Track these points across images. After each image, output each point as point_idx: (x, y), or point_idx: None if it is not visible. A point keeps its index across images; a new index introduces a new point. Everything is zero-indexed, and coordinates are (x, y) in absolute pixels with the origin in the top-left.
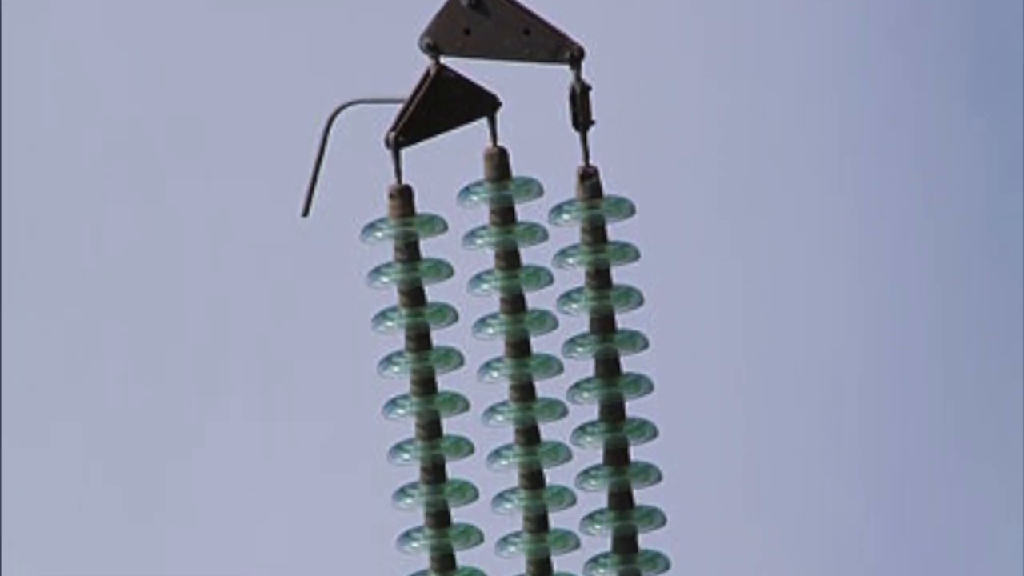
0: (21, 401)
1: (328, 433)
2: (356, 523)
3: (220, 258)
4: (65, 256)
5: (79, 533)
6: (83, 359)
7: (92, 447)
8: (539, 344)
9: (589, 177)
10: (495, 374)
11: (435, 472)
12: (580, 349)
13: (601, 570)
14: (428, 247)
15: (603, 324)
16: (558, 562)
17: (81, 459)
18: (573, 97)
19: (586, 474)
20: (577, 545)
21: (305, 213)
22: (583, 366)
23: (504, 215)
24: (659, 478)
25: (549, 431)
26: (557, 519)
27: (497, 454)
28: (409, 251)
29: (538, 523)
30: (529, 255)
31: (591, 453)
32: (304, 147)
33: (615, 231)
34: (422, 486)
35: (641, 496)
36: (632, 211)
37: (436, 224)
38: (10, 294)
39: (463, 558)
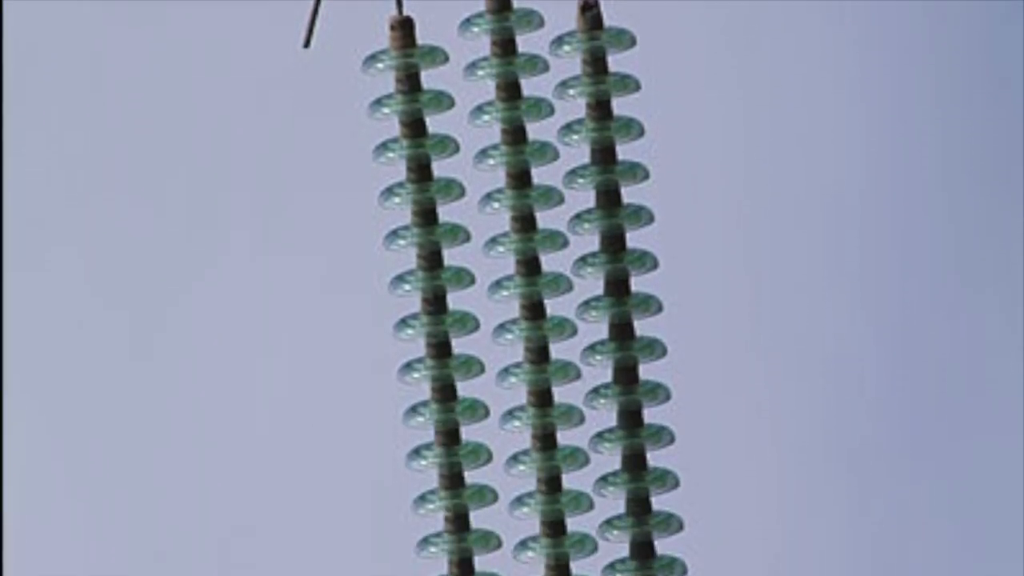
0: (22, 231)
1: (328, 264)
2: (357, 353)
3: (221, 90)
4: (67, 83)
5: (79, 367)
6: (84, 192)
7: (93, 281)
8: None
9: (590, 8)
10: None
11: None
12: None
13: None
14: (429, 79)
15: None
16: (571, 479)
17: (82, 292)
18: None
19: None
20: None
21: (306, 44)
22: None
23: (505, 46)
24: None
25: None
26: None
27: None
28: (410, 82)
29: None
30: (530, 87)
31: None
32: None
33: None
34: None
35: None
36: (633, 42)
37: (437, 55)
38: (11, 125)
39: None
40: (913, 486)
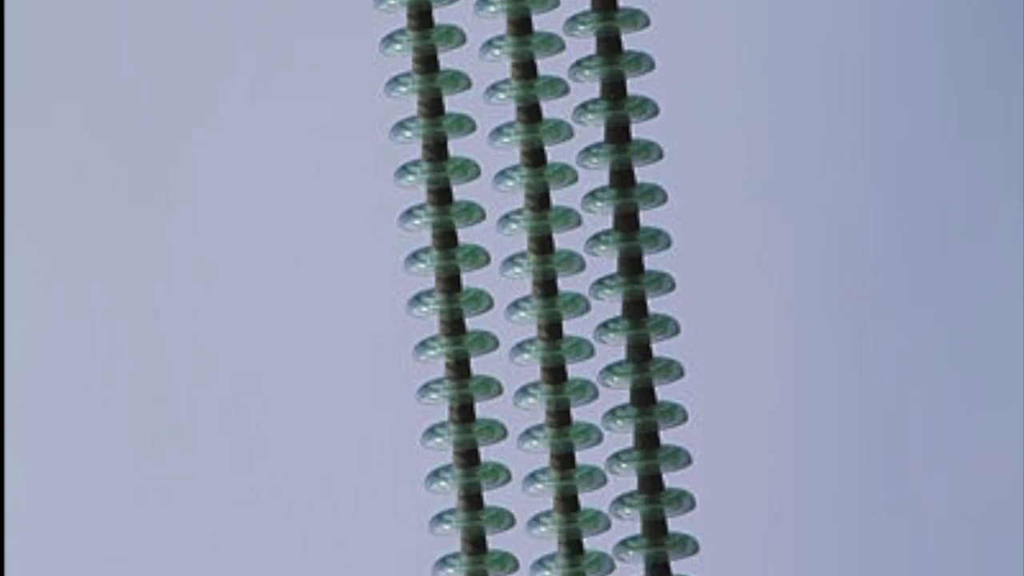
0: (22, 81)
1: (329, 111)
2: (358, 200)
3: None
4: None
5: (80, 215)
6: (85, 41)
7: (94, 129)
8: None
9: None
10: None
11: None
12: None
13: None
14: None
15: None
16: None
17: (83, 141)
18: None
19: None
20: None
21: None
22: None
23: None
24: (680, 374)
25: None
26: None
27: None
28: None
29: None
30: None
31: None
32: None
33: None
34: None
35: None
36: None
37: None
38: None
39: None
40: (912, 335)
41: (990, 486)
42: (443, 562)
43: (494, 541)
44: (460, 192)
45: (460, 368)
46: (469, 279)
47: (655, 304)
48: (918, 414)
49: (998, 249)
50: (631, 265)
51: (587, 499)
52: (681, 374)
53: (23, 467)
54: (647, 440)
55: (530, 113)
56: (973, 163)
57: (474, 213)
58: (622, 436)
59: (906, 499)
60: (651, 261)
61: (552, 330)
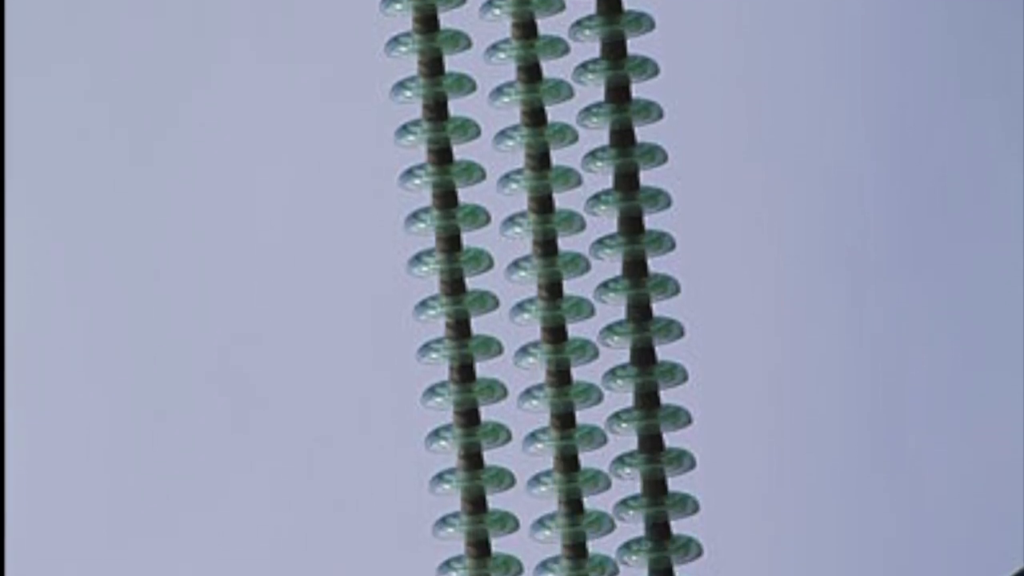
0: (22, 41)
1: (330, 72)
2: (357, 160)
3: None
4: None
5: (81, 177)
6: (84, 1)
7: (94, 89)
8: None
9: None
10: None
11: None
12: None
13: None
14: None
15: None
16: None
17: (83, 101)
18: None
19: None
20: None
21: None
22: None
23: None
24: (681, 333)
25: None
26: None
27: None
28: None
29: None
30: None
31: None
32: None
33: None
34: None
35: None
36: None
37: None
38: None
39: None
40: (912, 295)
41: (990, 447)
42: (443, 522)
43: (494, 501)
44: (460, 152)
45: (460, 328)
46: (469, 239)
47: (655, 264)
48: (918, 374)
49: (998, 209)
50: (631, 224)
51: (587, 458)
52: (681, 334)
53: (24, 430)
54: (647, 400)
55: (530, 73)
56: (973, 123)
57: (474, 173)
58: (622, 396)
59: (906, 460)
60: (651, 221)
61: (552, 289)
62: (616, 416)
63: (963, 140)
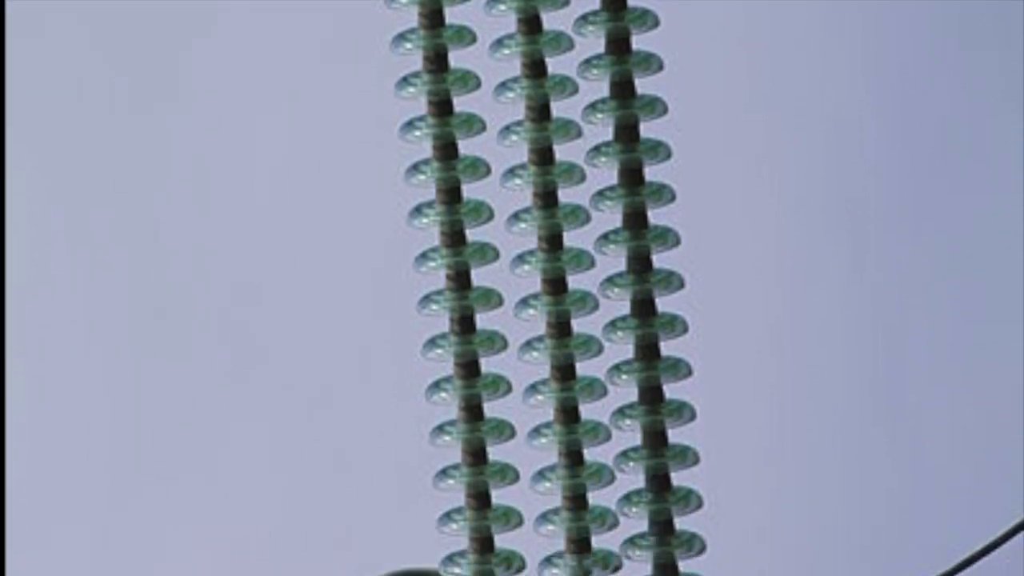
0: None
1: (330, 23)
2: (358, 111)
3: None
4: None
5: (82, 127)
6: None
7: (95, 39)
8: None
9: None
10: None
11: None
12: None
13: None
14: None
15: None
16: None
17: (84, 51)
18: None
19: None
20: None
21: None
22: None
23: None
24: (681, 285)
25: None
26: (587, 410)
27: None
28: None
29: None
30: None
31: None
32: None
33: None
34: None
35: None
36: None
37: None
38: None
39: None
40: (913, 247)
41: (990, 397)
42: (443, 473)
43: (494, 452)
44: (460, 104)
45: (460, 279)
46: (469, 190)
47: (655, 216)
48: (919, 326)
49: (998, 161)
50: (631, 176)
51: (587, 410)
52: (682, 285)
53: (24, 380)
54: (647, 352)
55: (530, 24)
56: (973, 75)
57: (474, 124)
58: (623, 348)
59: (906, 411)
60: (651, 173)
61: (553, 241)
62: (616, 368)
63: (963, 93)
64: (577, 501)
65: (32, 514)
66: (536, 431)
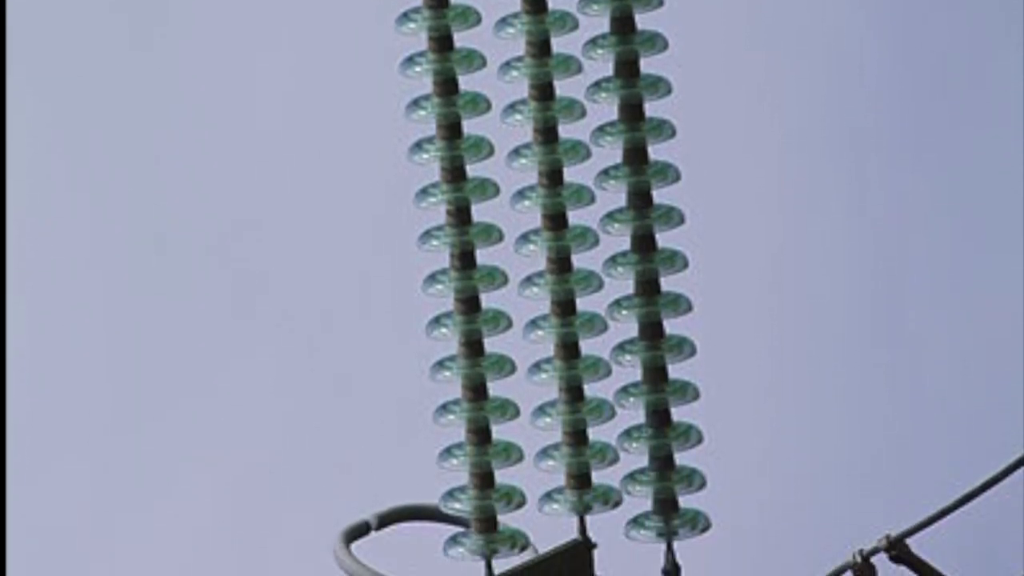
0: None
1: None
2: (358, 47)
3: None
4: None
5: (81, 61)
6: None
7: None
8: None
9: None
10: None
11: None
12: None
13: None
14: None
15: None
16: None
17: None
18: None
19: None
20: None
21: None
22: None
23: None
24: (681, 220)
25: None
26: (588, 346)
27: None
28: None
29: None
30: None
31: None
32: None
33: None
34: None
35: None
36: None
37: None
38: None
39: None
40: (913, 177)
41: (989, 325)
42: (444, 408)
43: (495, 388)
44: (461, 39)
45: (461, 215)
46: (470, 126)
47: (656, 151)
48: (919, 253)
49: (998, 92)
50: (632, 112)
51: (588, 347)
52: (682, 220)
53: (25, 312)
54: (648, 287)
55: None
56: (973, 6)
57: (475, 60)
58: (623, 283)
59: (906, 337)
60: (652, 108)
61: (553, 177)
62: (616, 303)
63: (963, 24)
64: (577, 436)
65: (35, 444)
66: (536, 366)
